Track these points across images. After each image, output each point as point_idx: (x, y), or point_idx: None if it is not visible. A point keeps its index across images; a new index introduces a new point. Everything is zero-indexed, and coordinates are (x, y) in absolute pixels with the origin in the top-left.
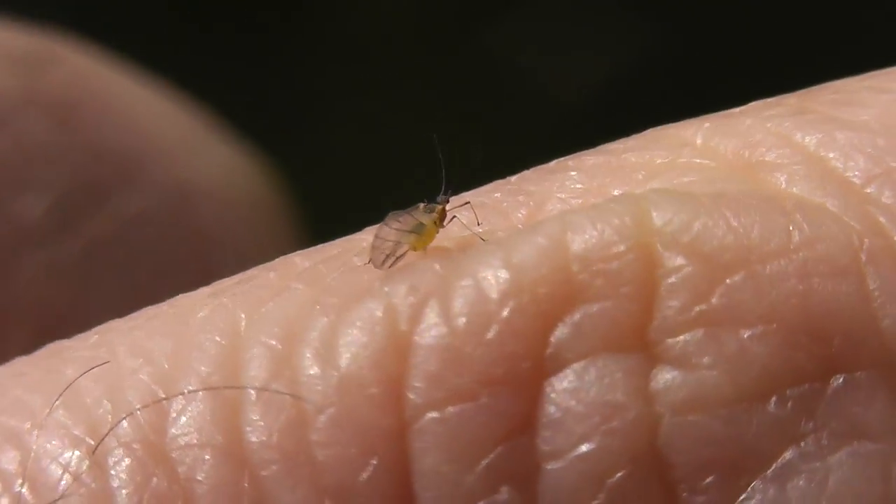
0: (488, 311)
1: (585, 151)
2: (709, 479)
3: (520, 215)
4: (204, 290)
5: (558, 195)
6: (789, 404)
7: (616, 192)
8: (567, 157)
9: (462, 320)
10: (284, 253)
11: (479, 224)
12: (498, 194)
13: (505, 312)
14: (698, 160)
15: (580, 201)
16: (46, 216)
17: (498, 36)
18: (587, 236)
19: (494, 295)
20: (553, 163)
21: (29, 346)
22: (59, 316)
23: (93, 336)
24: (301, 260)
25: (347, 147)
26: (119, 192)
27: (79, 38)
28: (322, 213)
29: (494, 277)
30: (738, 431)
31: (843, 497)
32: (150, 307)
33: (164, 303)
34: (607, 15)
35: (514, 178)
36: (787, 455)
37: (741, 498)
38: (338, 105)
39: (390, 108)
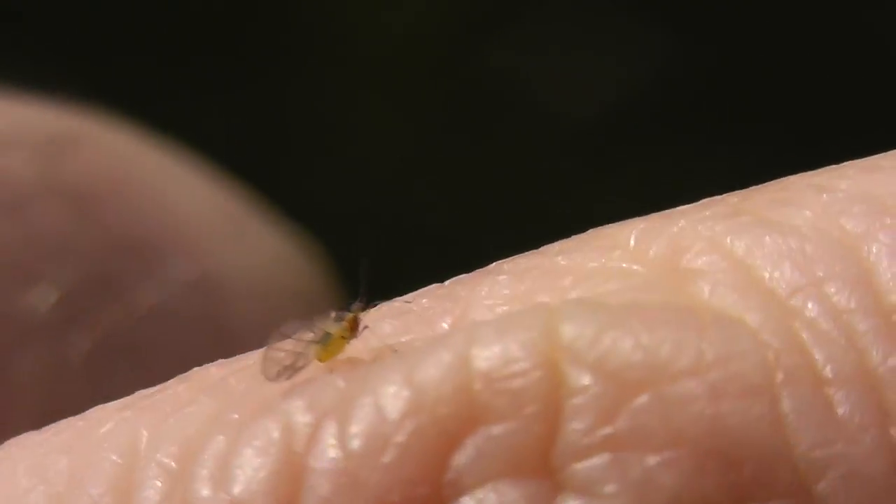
0: (385, 433)
1: (525, 253)
2: None
3: (444, 325)
4: (118, 402)
5: (485, 301)
6: None
7: (541, 299)
8: (506, 260)
9: (358, 442)
10: None
11: (406, 336)
12: (425, 301)
13: (402, 434)
14: (626, 265)
15: (505, 308)
16: (55, 310)
17: (504, 49)
18: (492, 351)
19: (393, 415)
20: (493, 265)
21: None
22: (62, 414)
23: (4, 450)
24: (217, 370)
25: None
26: (137, 284)
27: (111, 111)
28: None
29: (395, 396)
30: None
31: None
32: (66, 419)
33: (79, 415)
34: (621, 26)
35: (448, 283)
36: None
37: None
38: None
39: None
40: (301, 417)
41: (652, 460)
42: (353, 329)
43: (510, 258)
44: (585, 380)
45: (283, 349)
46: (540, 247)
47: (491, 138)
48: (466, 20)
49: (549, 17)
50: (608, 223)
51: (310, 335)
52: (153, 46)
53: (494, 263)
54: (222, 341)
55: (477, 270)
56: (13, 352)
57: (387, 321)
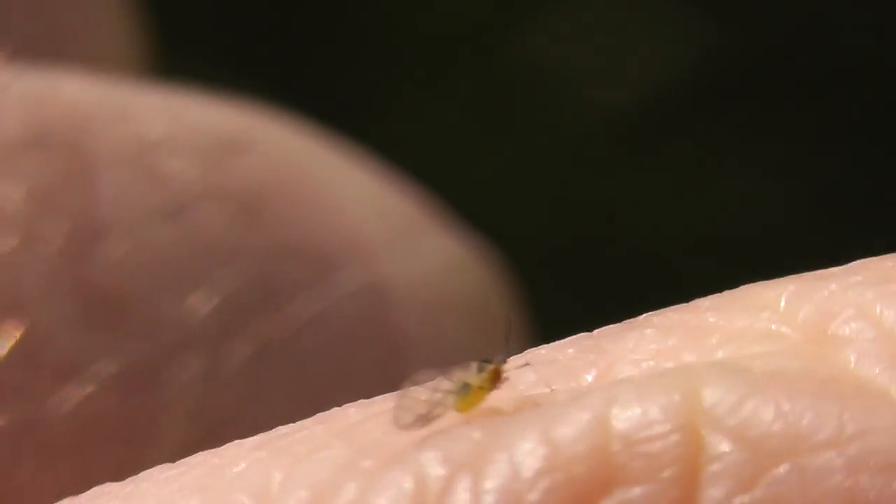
0: (519, 490)
1: (676, 307)
2: None
3: (588, 378)
4: (254, 440)
5: (631, 356)
6: None
7: (686, 357)
8: (655, 312)
9: (491, 498)
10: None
11: (550, 388)
12: (571, 350)
13: (536, 493)
14: (775, 326)
15: (650, 363)
16: (212, 318)
17: (540, 36)
18: (632, 412)
19: (528, 473)
20: (642, 317)
21: (178, 455)
22: (215, 425)
23: (129, 485)
24: (355, 412)
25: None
26: (300, 292)
27: (286, 112)
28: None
29: (531, 453)
30: None
31: None
32: (201, 454)
33: (213, 450)
34: (663, 12)
35: (595, 332)
36: None
37: None
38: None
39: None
40: (434, 470)
41: None
42: (494, 381)
43: (660, 311)
44: (725, 447)
45: (419, 398)
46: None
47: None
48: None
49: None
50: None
51: (447, 384)
52: (325, 46)
53: (643, 316)
54: (388, 354)
55: (625, 322)
56: (169, 357)
57: (531, 370)
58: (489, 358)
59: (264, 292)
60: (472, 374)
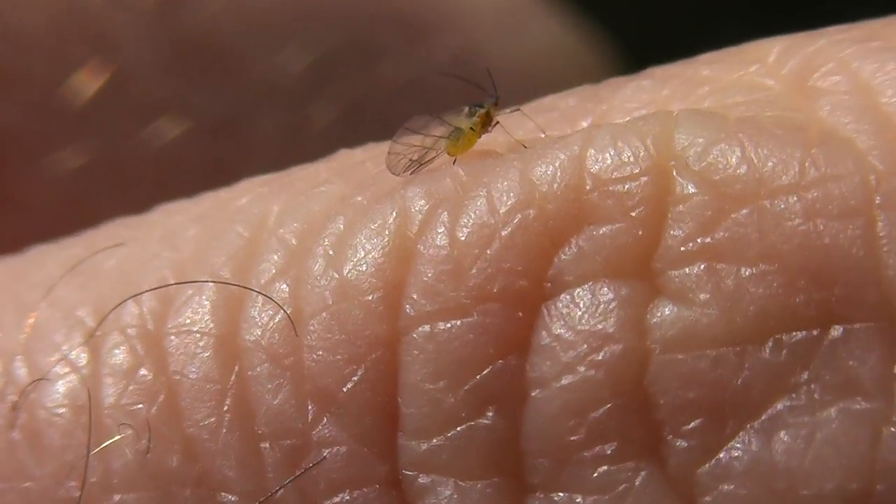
0: (493, 224)
1: (682, 61)
2: (693, 423)
3: (584, 124)
4: (264, 177)
5: (627, 104)
6: (784, 351)
7: (675, 106)
8: (659, 67)
9: (465, 232)
10: None
11: (543, 132)
12: (572, 100)
13: (509, 227)
14: (761, 79)
15: (642, 112)
16: (304, 73)
17: None
18: (605, 154)
19: (503, 209)
20: (646, 70)
21: None
22: None
23: (147, 216)
24: (361, 154)
25: None
26: (393, 57)
27: None
28: None
29: (507, 190)
30: (727, 374)
31: (828, 457)
32: (214, 190)
33: (226, 187)
34: None
35: (600, 85)
36: (778, 406)
37: (724, 447)
38: None
39: None
40: (416, 204)
41: (745, 272)
42: (485, 124)
43: (664, 65)
44: (691, 189)
45: (411, 143)
46: None
47: None
48: None
49: None
50: None
51: (441, 129)
52: None
53: (648, 69)
54: None
55: (629, 75)
56: (256, 110)
57: (532, 117)
58: (480, 103)
59: (356, 54)
60: (462, 119)
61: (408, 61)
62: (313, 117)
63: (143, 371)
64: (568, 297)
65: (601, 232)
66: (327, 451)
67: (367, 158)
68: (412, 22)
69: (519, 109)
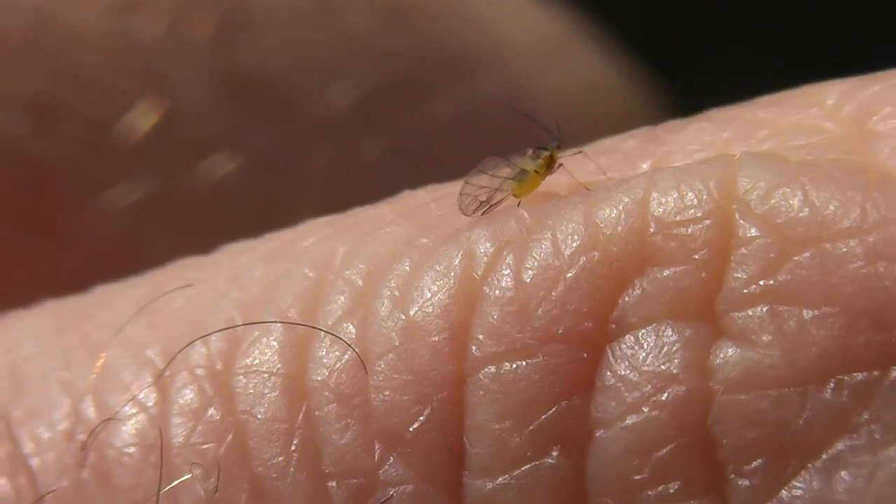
0: (558, 266)
1: (737, 104)
2: (755, 463)
3: (644, 166)
4: (328, 218)
5: (688, 146)
6: (845, 392)
7: (736, 148)
8: (719, 108)
9: (531, 274)
10: None
11: (604, 174)
12: (633, 141)
13: (574, 270)
14: (820, 122)
15: (703, 154)
16: (354, 109)
17: None
18: (669, 197)
19: (567, 251)
20: (705, 112)
21: None
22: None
23: (213, 256)
24: (423, 195)
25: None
26: (441, 93)
27: None
28: None
29: (572, 232)
30: (789, 415)
31: (888, 496)
32: (278, 232)
33: (290, 228)
34: None
35: (659, 126)
36: (839, 445)
37: (786, 486)
38: None
39: None
40: (482, 246)
41: (807, 314)
42: (549, 166)
43: (723, 108)
44: (754, 232)
45: (480, 185)
46: None
47: None
48: None
49: None
50: None
51: (507, 171)
52: None
53: (708, 111)
54: None
55: (690, 117)
56: (307, 145)
57: (593, 159)
58: (544, 145)
59: (405, 89)
60: (527, 161)
61: (455, 97)
62: (363, 152)
63: (211, 411)
64: (632, 338)
65: (665, 274)
66: (394, 489)
67: (431, 200)
68: (459, 57)
69: (581, 152)
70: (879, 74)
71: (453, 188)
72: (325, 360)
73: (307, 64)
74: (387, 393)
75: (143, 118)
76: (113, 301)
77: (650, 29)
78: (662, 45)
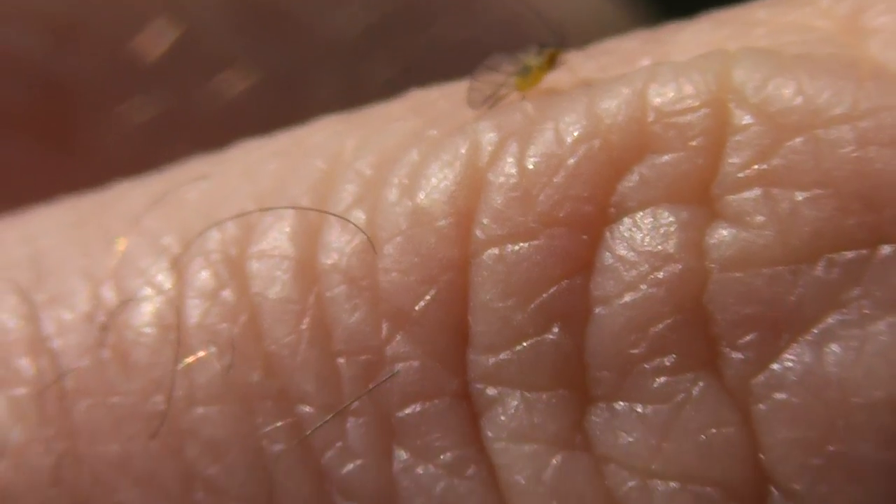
0: (560, 154)
1: (743, 5)
2: (748, 337)
3: (644, 63)
4: (339, 116)
5: (686, 46)
6: (835, 269)
7: (732, 45)
8: (723, 11)
9: (534, 161)
10: None
11: (605, 71)
12: (633, 42)
13: (575, 157)
14: (814, 20)
15: (702, 51)
16: (362, 33)
17: None
18: (667, 89)
19: (569, 139)
20: (704, 15)
21: None
22: None
23: (227, 153)
24: (434, 93)
25: None
26: (447, 17)
27: None
28: None
29: (573, 123)
30: (781, 292)
31: (877, 368)
32: (295, 129)
33: (305, 125)
34: None
35: (659, 29)
36: (829, 320)
37: (777, 359)
38: None
39: None
40: (487, 136)
41: (799, 196)
42: (552, 62)
43: (726, 10)
44: (748, 119)
45: (487, 80)
46: None
47: None
48: None
49: None
50: None
51: (512, 67)
52: None
53: (707, 14)
54: None
55: (693, 19)
56: (314, 69)
57: (593, 59)
58: (548, 43)
59: (412, 14)
60: (532, 57)
61: (462, 21)
62: (371, 75)
63: (226, 293)
64: (630, 220)
65: (663, 160)
66: (400, 365)
67: (440, 97)
68: None
69: (583, 50)
70: None
71: (461, 87)
72: (335, 245)
73: None
74: (394, 274)
75: (158, 37)
76: (130, 195)
77: None
78: None
